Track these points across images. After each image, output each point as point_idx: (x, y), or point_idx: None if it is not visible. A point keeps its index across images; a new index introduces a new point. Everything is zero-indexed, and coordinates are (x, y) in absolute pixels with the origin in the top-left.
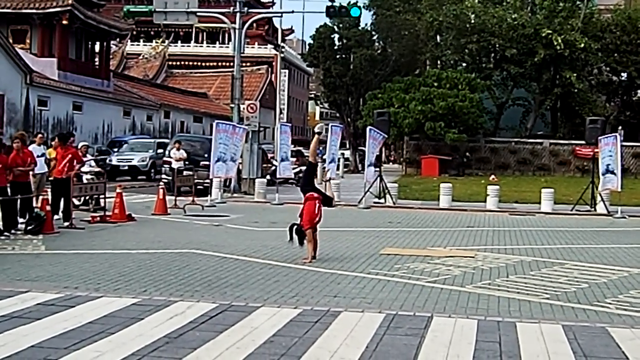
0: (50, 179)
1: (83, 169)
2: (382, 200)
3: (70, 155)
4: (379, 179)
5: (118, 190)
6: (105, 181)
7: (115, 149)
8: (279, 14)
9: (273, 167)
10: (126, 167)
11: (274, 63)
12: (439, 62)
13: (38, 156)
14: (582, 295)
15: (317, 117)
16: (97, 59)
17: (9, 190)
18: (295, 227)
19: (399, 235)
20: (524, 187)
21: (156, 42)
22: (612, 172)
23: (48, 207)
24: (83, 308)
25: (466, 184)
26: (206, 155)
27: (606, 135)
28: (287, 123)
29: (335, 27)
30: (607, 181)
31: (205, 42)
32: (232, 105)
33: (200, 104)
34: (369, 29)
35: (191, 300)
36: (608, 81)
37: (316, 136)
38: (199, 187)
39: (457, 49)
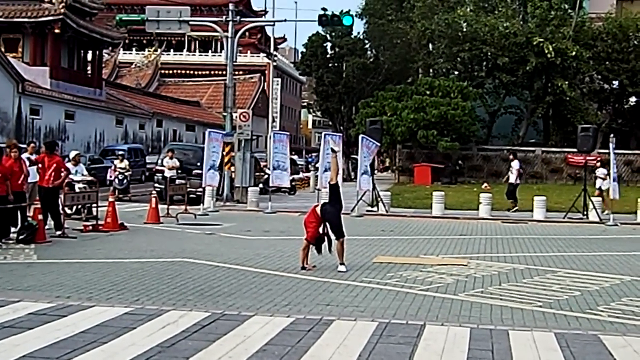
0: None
1: (75, 178)
2: (375, 209)
3: (55, 165)
4: (371, 187)
5: (110, 199)
6: (98, 190)
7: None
8: (272, 23)
9: (266, 176)
10: None
11: (266, 71)
12: (431, 70)
13: (29, 165)
14: (575, 303)
15: (310, 126)
16: (89, 68)
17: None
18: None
19: (391, 243)
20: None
21: (149, 51)
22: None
23: (40, 217)
24: (75, 317)
25: (459, 192)
26: (199, 164)
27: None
28: (284, 132)
29: (327, 35)
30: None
31: (197, 50)
32: (225, 114)
33: (193, 112)
34: (361, 37)
35: (184, 310)
36: (600, 89)
37: (335, 154)
38: (191, 195)
39: (449, 58)
